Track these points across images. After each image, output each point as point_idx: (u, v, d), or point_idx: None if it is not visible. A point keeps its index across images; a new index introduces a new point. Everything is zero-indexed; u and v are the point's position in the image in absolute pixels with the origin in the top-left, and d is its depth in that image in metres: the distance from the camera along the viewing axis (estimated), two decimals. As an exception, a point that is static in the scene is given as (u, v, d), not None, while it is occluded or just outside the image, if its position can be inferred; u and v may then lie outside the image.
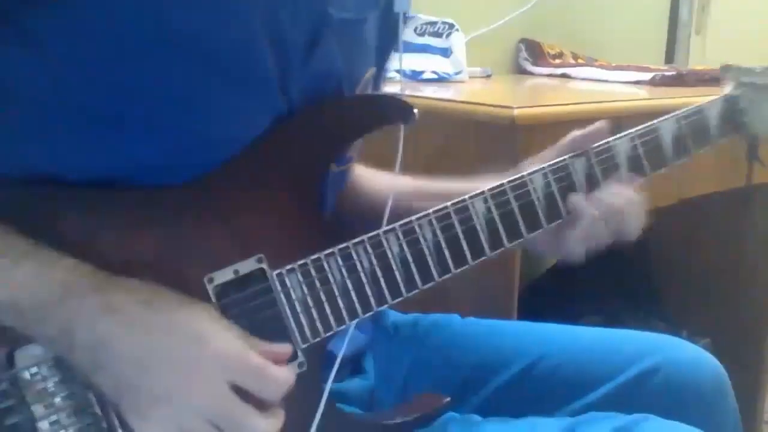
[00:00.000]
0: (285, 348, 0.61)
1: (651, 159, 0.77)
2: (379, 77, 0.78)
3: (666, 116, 0.78)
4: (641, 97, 1.40)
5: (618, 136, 0.76)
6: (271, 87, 0.63)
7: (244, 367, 0.56)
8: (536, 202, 0.72)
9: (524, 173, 0.72)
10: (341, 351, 0.66)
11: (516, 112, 1.02)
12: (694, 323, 1.64)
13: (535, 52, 1.85)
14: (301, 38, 0.64)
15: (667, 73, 1.56)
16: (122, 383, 0.55)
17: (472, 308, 0.95)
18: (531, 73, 1.83)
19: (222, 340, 0.56)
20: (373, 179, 0.87)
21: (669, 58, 2.14)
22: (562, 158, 0.74)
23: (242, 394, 0.56)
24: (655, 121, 0.78)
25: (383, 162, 0.76)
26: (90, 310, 0.54)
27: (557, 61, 1.84)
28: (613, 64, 1.77)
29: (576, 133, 0.76)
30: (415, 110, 0.67)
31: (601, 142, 0.75)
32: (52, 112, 0.57)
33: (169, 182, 0.60)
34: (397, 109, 0.67)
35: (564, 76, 1.73)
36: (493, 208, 0.69)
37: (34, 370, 0.56)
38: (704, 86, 1.50)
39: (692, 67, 1.98)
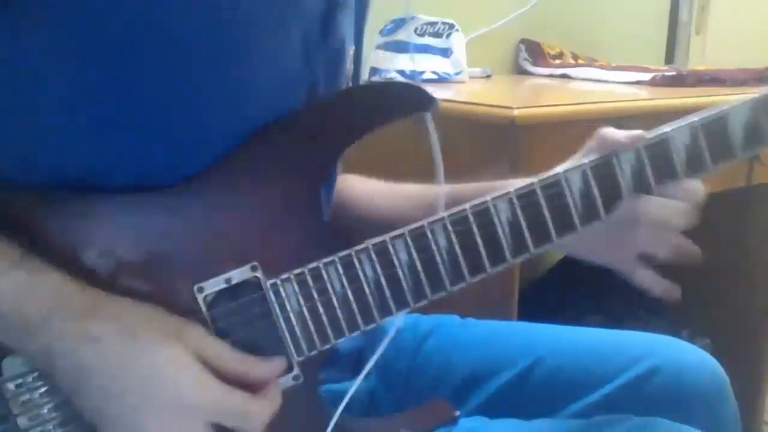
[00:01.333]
0: (276, 367, 0.59)
1: (715, 152, 0.67)
2: (359, 57, 0.78)
3: (735, 104, 0.68)
4: (641, 98, 1.40)
5: (674, 125, 0.66)
6: (298, 66, 0.62)
7: (223, 411, 0.55)
8: (571, 205, 0.64)
9: (559, 170, 0.64)
10: (350, 391, 0.63)
11: (516, 112, 1.02)
12: (694, 323, 1.64)
13: (535, 52, 1.85)
14: (317, 14, 0.64)
15: (667, 73, 1.56)
16: (100, 413, 0.54)
17: (473, 309, 0.95)
18: (531, 74, 1.82)
19: (201, 386, 0.55)
20: (364, 191, 0.85)
21: (669, 58, 2.14)
22: (605, 155, 0.65)
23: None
24: (721, 108, 0.67)
25: (383, 161, 0.76)
26: (71, 338, 0.53)
27: (557, 61, 1.84)
28: (613, 65, 1.77)
29: (612, 133, 0.66)
30: (438, 98, 0.62)
31: (653, 134, 0.66)
32: (51, 109, 0.56)
33: (168, 181, 0.58)
34: (418, 98, 0.63)
35: (564, 76, 1.72)
36: (518, 211, 0.63)
37: (19, 381, 0.55)
38: (704, 86, 1.50)
39: (692, 67, 1.98)
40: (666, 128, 0.67)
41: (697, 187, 0.68)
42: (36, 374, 0.55)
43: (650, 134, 0.67)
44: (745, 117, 0.68)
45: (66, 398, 0.55)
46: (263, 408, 0.57)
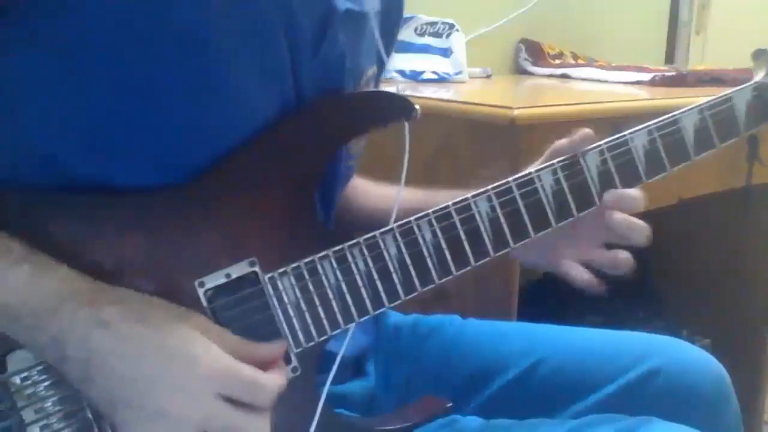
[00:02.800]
0: (277, 348, 0.61)
1: (672, 154, 0.73)
2: (379, 78, 0.78)
3: (688, 107, 0.74)
4: (641, 98, 1.40)
5: (635, 129, 0.72)
6: (284, 76, 0.63)
7: (234, 382, 0.56)
8: (545, 201, 0.69)
9: (531, 170, 0.69)
10: (340, 353, 0.65)
11: (516, 112, 1.02)
12: (694, 323, 1.64)
13: (535, 52, 1.85)
14: (310, 27, 0.64)
15: (667, 73, 1.56)
16: (114, 399, 0.54)
17: (473, 309, 0.95)
18: (531, 74, 1.82)
19: (212, 358, 0.56)
20: (371, 193, 0.86)
21: (669, 58, 2.14)
22: (572, 154, 0.71)
23: (235, 403, 0.56)
24: (676, 112, 0.74)
25: (385, 160, 0.76)
26: (82, 324, 0.54)
27: (557, 61, 1.84)
28: (613, 64, 1.77)
29: (561, 142, 0.73)
30: (417, 106, 0.66)
31: (615, 136, 0.72)
32: (57, 108, 0.57)
33: (168, 180, 0.59)
34: (398, 106, 0.66)
35: (564, 76, 1.73)
36: (497, 207, 0.67)
37: (24, 374, 0.56)
38: (704, 86, 1.50)
39: (692, 67, 1.98)
40: (627, 131, 0.72)
41: (638, 197, 0.72)
42: (41, 367, 0.56)
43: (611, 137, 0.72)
44: (699, 123, 0.74)
45: (75, 389, 0.56)
46: (272, 381, 0.58)
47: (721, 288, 1.68)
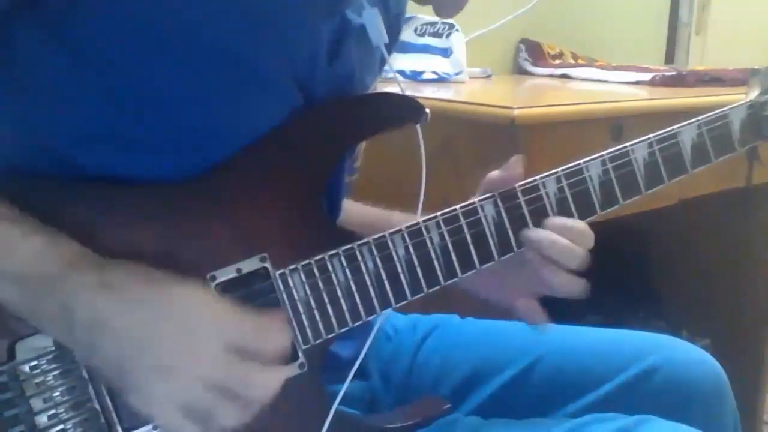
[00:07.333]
0: (277, 313, 0.61)
1: (669, 166, 0.74)
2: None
3: (686, 122, 0.76)
4: (641, 98, 1.40)
5: (634, 141, 0.73)
6: (302, 83, 0.64)
7: (238, 328, 0.57)
8: (548, 208, 0.70)
9: (537, 177, 0.70)
10: (363, 350, 0.66)
11: (516, 112, 1.02)
12: (694, 323, 1.64)
13: (535, 52, 1.85)
14: (327, 39, 0.65)
15: (667, 73, 1.56)
16: (121, 362, 0.54)
17: (472, 308, 0.95)
18: (531, 74, 1.83)
19: (215, 308, 0.57)
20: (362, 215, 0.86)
21: (669, 58, 2.14)
22: (576, 162, 0.71)
23: (242, 355, 0.56)
24: (674, 126, 0.75)
25: (388, 160, 0.76)
26: (89, 288, 0.54)
27: (557, 61, 1.84)
28: (613, 65, 1.77)
29: (493, 173, 0.71)
30: (427, 109, 0.66)
31: (616, 147, 0.72)
32: (77, 104, 0.58)
33: (180, 175, 0.60)
34: (408, 109, 0.67)
35: (564, 76, 1.73)
36: (503, 212, 0.68)
37: (33, 363, 0.57)
38: (704, 86, 1.50)
39: (692, 67, 1.98)
40: (628, 143, 0.73)
41: (586, 231, 0.70)
42: (50, 357, 0.57)
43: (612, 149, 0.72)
44: (696, 138, 0.76)
45: (83, 361, 0.57)
46: (277, 328, 0.59)
47: (721, 288, 1.68)
